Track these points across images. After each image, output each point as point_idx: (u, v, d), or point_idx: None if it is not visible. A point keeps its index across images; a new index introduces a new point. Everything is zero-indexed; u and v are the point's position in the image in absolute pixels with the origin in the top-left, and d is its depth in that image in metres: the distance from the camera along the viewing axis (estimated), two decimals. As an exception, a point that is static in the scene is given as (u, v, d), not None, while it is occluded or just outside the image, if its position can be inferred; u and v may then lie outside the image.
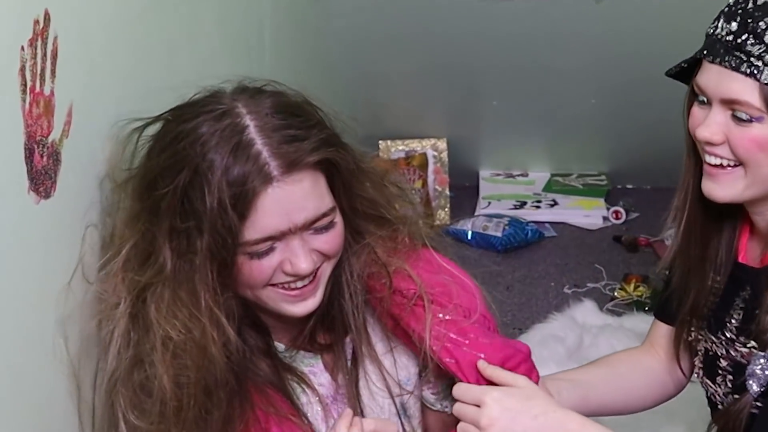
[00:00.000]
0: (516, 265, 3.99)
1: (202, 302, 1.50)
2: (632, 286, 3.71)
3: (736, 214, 1.82)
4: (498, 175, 4.68)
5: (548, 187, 4.62)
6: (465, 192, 4.61)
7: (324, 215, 1.55)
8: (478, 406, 1.59)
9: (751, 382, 1.72)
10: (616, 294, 3.72)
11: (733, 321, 1.83)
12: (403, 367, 1.79)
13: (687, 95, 1.77)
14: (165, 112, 1.62)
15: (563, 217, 4.42)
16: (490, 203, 4.49)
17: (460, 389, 1.63)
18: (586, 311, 3.51)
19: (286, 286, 1.58)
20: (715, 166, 1.69)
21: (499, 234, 4.12)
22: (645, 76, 3.99)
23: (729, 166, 1.67)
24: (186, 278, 1.50)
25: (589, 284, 3.84)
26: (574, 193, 4.57)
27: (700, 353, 1.93)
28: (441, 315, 1.69)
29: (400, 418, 1.80)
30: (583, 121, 4.37)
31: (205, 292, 1.50)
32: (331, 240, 1.59)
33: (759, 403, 1.71)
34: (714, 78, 1.65)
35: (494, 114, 4.35)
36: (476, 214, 4.39)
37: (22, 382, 1.48)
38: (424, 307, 1.67)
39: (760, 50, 1.58)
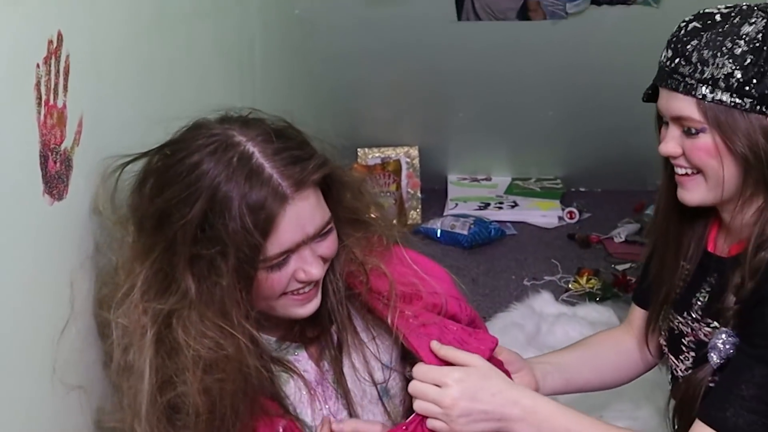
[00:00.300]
0: (480, 260, 3.99)
1: (234, 319, 1.48)
2: (585, 278, 3.72)
3: (708, 211, 1.85)
4: (464, 179, 4.68)
5: (509, 190, 4.61)
6: (435, 194, 4.61)
7: (327, 224, 1.56)
8: (439, 386, 1.58)
9: (712, 354, 1.73)
10: (570, 286, 3.73)
11: (699, 303, 1.85)
12: (385, 351, 1.80)
13: (656, 119, 1.81)
14: (155, 149, 1.58)
15: (523, 217, 4.41)
16: (457, 204, 4.48)
17: (421, 370, 1.61)
18: (543, 301, 3.51)
19: (296, 292, 1.58)
20: (682, 175, 1.73)
21: (465, 232, 4.12)
22: (597, 92, 4.03)
23: (692, 173, 1.71)
24: (213, 299, 1.47)
25: (546, 277, 3.84)
26: (533, 195, 4.57)
27: (665, 333, 1.95)
28: (408, 311, 1.70)
29: (381, 399, 1.79)
30: (541, 131, 4.39)
31: (236, 309, 1.48)
32: (331, 245, 1.60)
33: (716, 377, 1.73)
34: (664, 100, 1.71)
35: (461, 124, 4.35)
36: (445, 214, 4.38)
37: (37, 374, 1.49)
38: (396, 300, 1.68)
39: (690, 70, 1.63)
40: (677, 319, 1.90)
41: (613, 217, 4.44)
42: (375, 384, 1.79)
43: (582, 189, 4.80)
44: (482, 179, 4.69)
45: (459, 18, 3.63)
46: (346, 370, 1.77)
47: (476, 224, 4.19)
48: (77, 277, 1.59)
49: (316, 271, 1.54)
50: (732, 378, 1.64)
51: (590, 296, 3.61)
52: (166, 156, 1.53)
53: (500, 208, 4.48)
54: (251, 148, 1.48)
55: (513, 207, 4.49)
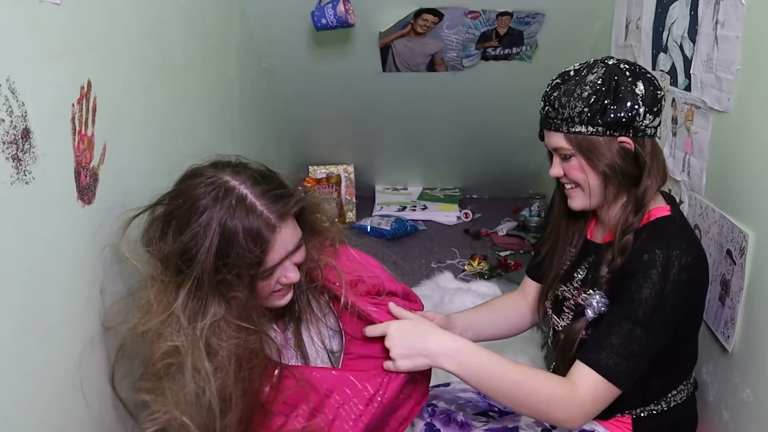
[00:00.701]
0: (399, 249, 3.96)
1: (255, 320, 1.54)
2: (476, 262, 3.70)
3: (586, 213, 1.91)
4: (387, 188, 4.65)
5: (421, 197, 4.58)
6: (366, 200, 4.57)
7: (301, 240, 1.61)
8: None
9: (588, 310, 1.75)
10: (465, 267, 3.70)
11: (579, 276, 1.88)
12: (334, 325, 1.82)
13: (548, 153, 1.84)
14: (170, 197, 1.56)
15: (431, 217, 4.38)
16: (382, 207, 4.45)
17: (368, 329, 1.67)
18: (446, 279, 3.49)
19: (278, 290, 1.63)
20: (568, 189, 1.81)
21: (388, 228, 4.10)
22: (485, 125, 4.05)
23: (573, 187, 1.79)
24: (235, 311, 1.50)
25: (447, 261, 3.82)
26: (438, 201, 4.54)
27: (551, 298, 1.98)
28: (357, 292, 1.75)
29: (330, 360, 1.80)
30: (444, 154, 4.38)
31: (254, 313, 1.54)
32: (303, 254, 1.64)
33: (588, 330, 1.75)
34: (546, 138, 1.79)
35: (385, 148, 4.34)
36: (373, 214, 4.34)
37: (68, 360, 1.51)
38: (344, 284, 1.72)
39: (555, 114, 1.71)
40: (561, 287, 1.93)
41: (497, 217, 4.42)
42: (326, 348, 1.81)
43: (474, 196, 4.78)
44: (401, 189, 4.67)
45: (383, 70, 3.62)
46: (305, 338, 1.78)
47: (396, 222, 4.17)
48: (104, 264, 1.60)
49: (295, 276, 1.60)
50: (605, 331, 1.65)
51: (480, 275, 3.59)
52: (178, 206, 1.51)
53: (414, 210, 4.44)
54: (244, 190, 1.50)
55: (423, 209, 4.46)
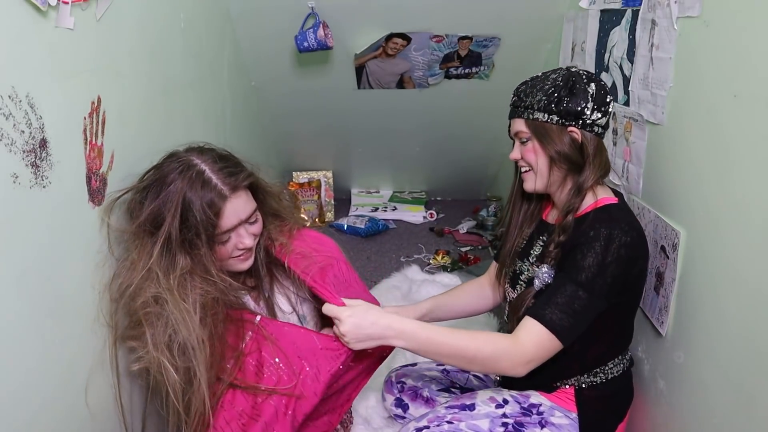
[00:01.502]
0: (372, 245, 3.97)
1: (214, 273, 1.62)
2: (440, 256, 3.71)
3: (542, 196, 1.95)
4: (362, 191, 4.65)
5: (391, 199, 4.59)
6: (343, 202, 4.57)
7: (254, 212, 1.71)
8: (339, 319, 1.66)
9: (536, 281, 1.78)
10: (430, 261, 3.71)
11: (533, 253, 1.90)
12: (301, 292, 1.92)
13: (512, 144, 1.88)
14: (146, 175, 1.65)
15: (400, 217, 4.39)
16: (357, 208, 4.46)
17: (325, 307, 1.70)
18: (413, 271, 3.50)
19: (238, 255, 1.71)
20: (523, 172, 1.85)
21: (362, 226, 4.10)
22: (448, 136, 4.07)
23: (528, 170, 1.83)
24: (198, 264, 1.60)
25: (415, 255, 3.82)
26: (407, 202, 4.55)
27: (509, 274, 1.99)
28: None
29: (301, 323, 1.89)
30: (412, 161, 4.38)
31: (213, 267, 1.62)
32: (258, 227, 1.75)
33: (534, 299, 1.78)
34: (511, 126, 1.83)
35: (360, 156, 4.33)
36: (349, 215, 4.34)
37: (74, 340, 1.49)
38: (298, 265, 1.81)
39: (520, 103, 1.78)
40: (518, 263, 1.95)
41: (459, 216, 4.45)
42: (295, 311, 1.89)
43: (439, 198, 4.80)
44: (373, 192, 4.67)
45: (358, 87, 3.62)
46: (276, 305, 1.87)
47: (370, 221, 4.18)
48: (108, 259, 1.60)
49: (248, 242, 1.70)
50: (551, 292, 1.69)
51: (444, 268, 3.59)
52: (152, 180, 1.61)
53: (385, 210, 4.44)
54: (203, 167, 1.61)
55: (394, 210, 4.46)
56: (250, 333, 1.70)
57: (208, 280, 1.60)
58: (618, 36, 2.26)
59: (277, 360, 1.68)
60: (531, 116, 1.75)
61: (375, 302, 1.86)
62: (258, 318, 1.73)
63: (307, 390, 1.67)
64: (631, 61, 2.11)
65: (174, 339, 1.53)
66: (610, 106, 1.76)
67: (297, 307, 1.91)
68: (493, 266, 2.18)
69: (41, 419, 1.33)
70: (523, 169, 1.85)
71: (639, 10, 2.05)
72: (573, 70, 1.77)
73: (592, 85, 1.73)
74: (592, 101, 1.71)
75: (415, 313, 2.05)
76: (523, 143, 1.80)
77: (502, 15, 3.14)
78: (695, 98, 1.71)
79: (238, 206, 1.63)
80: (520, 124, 1.79)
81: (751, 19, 1.45)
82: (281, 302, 1.90)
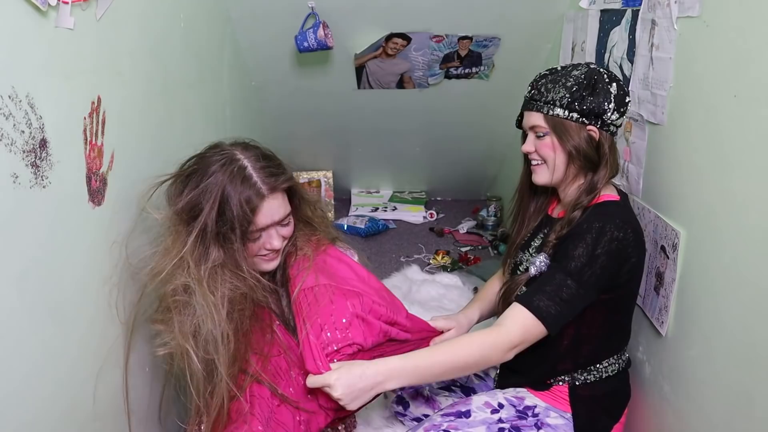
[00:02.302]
0: (372, 245, 3.97)
1: (245, 268, 1.63)
2: (440, 256, 3.71)
3: (549, 191, 1.98)
4: (362, 191, 4.65)
5: (391, 199, 4.58)
6: (343, 202, 4.57)
7: (287, 216, 1.72)
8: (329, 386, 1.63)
9: (531, 268, 1.81)
10: (430, 261, 3.71)
11: (534, 245, 1.94)
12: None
13: (521, 135, 1.90)
14: (188, 163, 1.69)
15: (400, 217, 4.39)
16: (357, 209, 4.45)
17: (311, 380, 1.66)
18: (413, 271, 3.50)
19: (264, 255, 1.73)
20: (534, 165, 1.86)
21: (362, 227, 4.11)
22: (448, 136, 4.06)
23: (540, 164, 1.84)
24: (230, 259, 1.61)
25: (415, 255, 3.83)
26: (407, 202, 4.54)
27: (510, 264, 2.04)
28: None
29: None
30: (412, 161, 4.38)
31: (244, 263, 1.64)
32: (288, 230, 1.76)
33: (527, 285, 1.81)
34: (526, 118, 1.84)
35: (360, 156, 4.33)
36: (349, 215, 4.34)
37: (84, 332, 1.49)
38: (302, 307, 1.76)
39: (539, 97, 1.78)
40: (520, 254, 2.00)
41: (458, 217, 4.45)
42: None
43: (438, 198, 4.79)
44: (373, 192, 4.67)
45: (358, 87, 3.62)
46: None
47: (370, 221, 4.18)
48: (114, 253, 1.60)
49: (277, 244, 1.71)
50: (542, 280, 1.74)
51: (443, 268, 3.60)
52: (194, 169, 1.64)
53: (385, 210, 4.44)
54: (246, 163, 1.63)
55: (394, 210, 4.46)
56: (271, 335, 1.75)
57: (239, 275, 1.62)
58: (618, 36, 2.26)
59: (292, 374, 1.75)
60: (551, 112, 1.76)
61: (423, 325, 1.97)
62: (277, 323, 1.78)
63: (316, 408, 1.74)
64: (631, 61, 2.11)
65: (199, 330, 1.55)
66: (629, 106, 1.79)
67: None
68: None
69: (42, 420, 1.32)
70: (534, 162, 1.87)
71: (639, 10, 2.05)
72: (594, 67, 1.78)
73: (614, 85, 1.75)
74: (613, 101, 1.73)
75: (469, 325, 2.11)
76: (539, 137, 1.81)
77: (502, 15, 3.14)
78: (695, 98, 1.71)
79: (273, 207, 1.66)
80: (538, 118, 1.80)
81: (751, 19, 1.45)
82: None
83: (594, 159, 1.78)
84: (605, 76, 1.76)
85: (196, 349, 1.56)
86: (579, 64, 1.80)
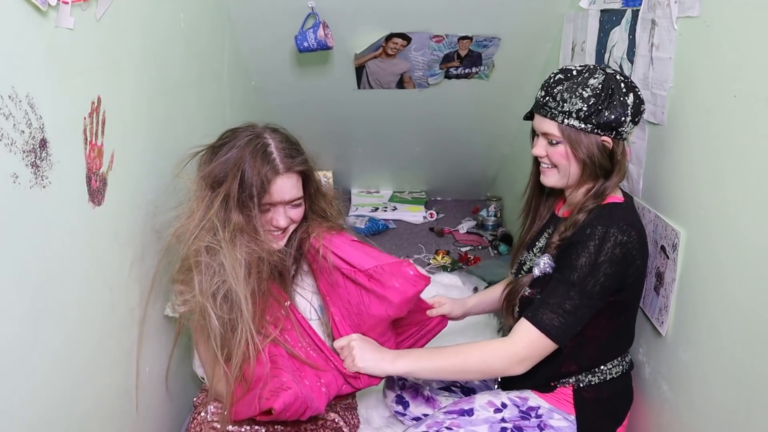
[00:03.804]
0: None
1: (262, 234, 1.75)
2: (440, 256, 3.71)
3: (557, 191, 1.97)
4: (362, 191, 4.65)
5: (391, 199, 4.59)
6: (343, 202, 4.57)
7: (297, 199, 1.81)
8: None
9: (535, 269, 1.82)
10: (430, 261, 3.72)
11: (539, 244, 1.95)
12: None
13: (531, 133, 1.90)
14: (223, 135, 1.81)
15: (400, 217, 4.39)
16: (357, 208, 4.46)
17: (336, 342, 1.89)
18: None
19: (272, 231, 1.81)
20: (544, 168, 1.86)
21: (363, 227, 4.11)
22: (448, 135, 4.06)
23: (550, 167, 1.84)
24: (249, 224, 1.72)
25: (415, 255, 3.83)
26: (407, 202, 4.55)
27: (516, 264, 2.05)
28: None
29: (317, 312, 1.97)
30: (412, 161, 4.37)
31: (261, 228, 1.75)
32: (298, 213, 1.84)
33: (532, 286, 1.85)
34: (538, 122, 1.82)
35: (360, 157, 4.34)
36: (349, 215, 4.35)
37: (93, 327, 1.49)
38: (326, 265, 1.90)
39: (555, 105, 1.75)
40: (524, 254, 2.02)
41: (458, 217, 4.45)
42: (311, 303, 1.97)
43: (438, 198, 4.79)
44: (373, 192, 4.67)
45: (358, 87, 3.62)
46: (298, 295, 1.96)
47: (370, 221, 4.18)
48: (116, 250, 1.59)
49: (282, 222, 1.79)
50: (547, 294, 1.74)
51: (444, 268, 3.60)
52: (225, 141, 1.77)
53: (385, 210, 4.44)
54: (269, 141, 1.76)
55: (394, 210, 4.46)
56: (286, 311, 1.87)
57: (257, 240, 1.73)
58: (618, 36, 2.26)
59: (303, 343, 1.88)
60: (566, 121, 1.74)
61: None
62: (288, 303, 1.86)
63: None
64: (631, 61, 2.10)
65: (220, 289, 1.67)
66: (643, 114, 1.78)
67: (311, 297, 1.98)
68: None
69: (42, 420, 1.33)
70: (544, 165, 1.86)
71: (639, 10, 2.05)
72: (611, 73, 1.75)
73: (631, 96, 1.72)
74: (629, 114, 1.72)
75: (463, 308, 2.24)
76: (551, 144, 1.80)
77: (502, 15, 3.14)
78: (695, 98, 1.70)
79: (286, 186, 1.76)
80: (551, 126, 1.78)
81: (751, 19, 1.45)
82: (303, 292, 1.97)
83: (607, 167, 1.77)
84: (622, 85, 1.73)
85: (215, 307, 1.67)
86: (596, 69, 1.76)
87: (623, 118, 1.71)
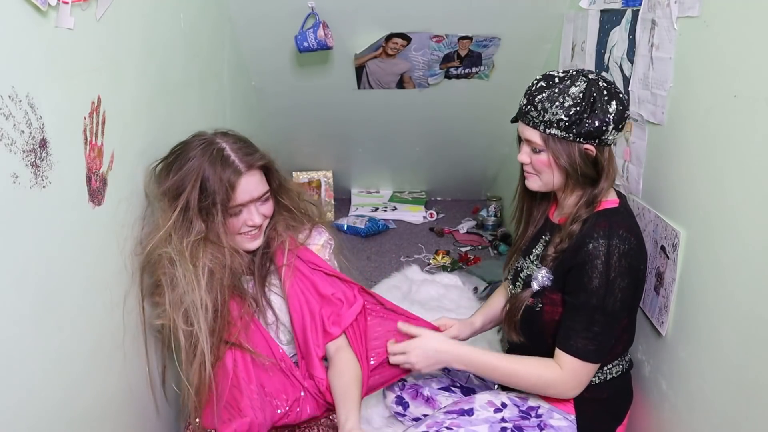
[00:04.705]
0: (373, 245, 3.97)
1: (224, 242, 1.77)
2: (440, 256, 3.71)
3: (550, 195, 1.96)
4: (362, 191, 4.65)
5: (391, 199, 4.58)
6: (343, 202, 4.57)
7: (266, 193, 1.84)
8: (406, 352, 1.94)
9: (533, 283, 1.84)
10: (430, 261, 3.71)
11: (536, 252, 1.93)
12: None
13: (517, 138, 1.87)
14: (174, 149, 1.81)
15: (400, 217, 4.39)
16: (357, 208, 4.45)
17: (391, 347, 1.98)
18: (413, 271, 3.49)
19: (246, 233, 1.84)
20: (528, 173, 1.86)
21: (362, 226, 4.11)
22: (448, 135, 4.06)
23: (533, 173, 1.84)
24: (213, 232, 1.75)
25: (415, 255, 3.83)
26: (406, 202, 4.54)
27: (512, 270, 2.04)
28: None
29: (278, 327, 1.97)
30: (412, 161, 4.37)
31: (224, 236, 1.76)
32: (268, 208, 1.87)
33: (532, 298, 1.85)
34: (521, 129, 1.81)
35: (360, 156, 4.34)
36: (349, 215, 4.34)
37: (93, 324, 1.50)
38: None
39: (536, 114, 1.73)
40: (521, 261, 2.00)
41: (458, 217, 4.45)
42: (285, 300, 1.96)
43: (438, 198, 4.79)
44: (373, 192, 4.67)
45: (358, 87, 3.62)
46: (273, 295, 1.96)
47: (370, 221, 4.18)
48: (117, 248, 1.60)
49: (257, 219, 1.82)
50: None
51: (443, 268, 3.59)
52: (178, 153, 1.78)
53: (385, 210, 4.44)
54: (224, 145, 1.77)
55: (394, 210, 4.46)
56: (249, 317, 1.89)
57: (219, 246, 1.75)
58: (618, 36, 2.26)
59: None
60: (548, 131, 1.72)
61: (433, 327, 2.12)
62: (254, 308, 1.91)
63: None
64: (631, 61, 2.11)
65: (182, 301, 1.70)
66: (627, 120, 1.76)
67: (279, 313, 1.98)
68: None
69: (42, 420, 1.33)
70: (527, 170, 1.86)
71: (639, 10, 2.05)
72: (593, 79, 1.71)
73: (613, 103, 1.69)
74: (611, 122, 1.69)
75: (471, 328, 2.20)
76: (535, 152, 1.79)
77: (502, 15, 3.14)
78: (695, 98, 1.70)
79: (251, 183, 1.77)
80: (533, 135, 1.76)
81: (751, 19, 1.45)
82: (274, 299, 1.96)
83: (591, 175, 1.76)
84: (605, 92, 1.70)
85: (180, 321, 1.71)
86: (578, 76, 1.72)
87: (605, 127, 1.68)
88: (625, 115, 1.73)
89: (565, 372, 1.76)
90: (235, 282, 1.85)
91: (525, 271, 1.94)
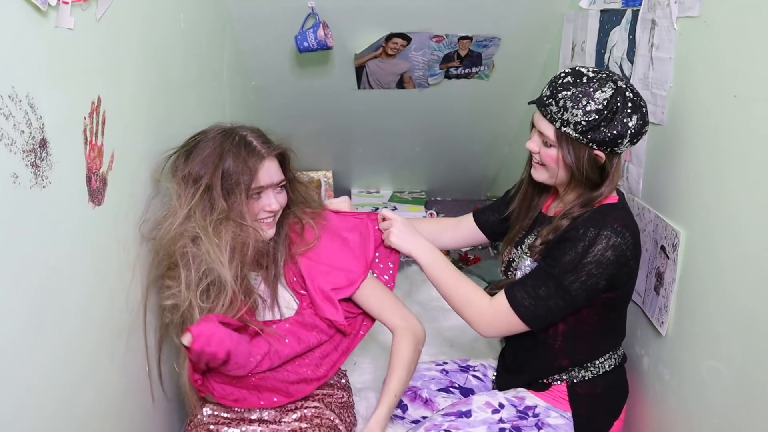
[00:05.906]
0: None
1: (247, 219, 1.80)
2: None
3: (551, 188, 1.97)
4: (362, 191, 4.64)
5: (391, 199, 4.56)
6: None
7: (282, 181, 1.89)
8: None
9: (518, 272, 1.88)
10: None
11: (527, 243, 1.95)
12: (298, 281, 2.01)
13: (531, 123, 1.86)
14: (191, 137, 1.87)
15: None
16: (357, 209, 4.40)
17: (382, 222, 2.11)
18: (413, 271, 3.42)
19: (263, 219, 1.87)
20: (535, 163, 1.86)
21: (363, 226, 4.10)
22: (448, 135, 4.05)
23: (540, 164, 1.84)
24: (235, 211, 1.77)
25: None
26: (407, 202, 4.52)
27: (504, 261, 2.06)
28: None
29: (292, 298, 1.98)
30: (412, 161, 4.36)
31: (247, 214, 1.80)
32: (283, 197, 1.92)
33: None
34: (537, 117, 1.80)
35: (360, 156, 4.33)
36: None
37: (96, 316, 1.50)
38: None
39: (556, 110, 1.71)
40: (513, 252, 2.02)
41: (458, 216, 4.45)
42: (293, 297, 1.98)
43: (438, 198, 4.78)
44: (373, 192, 4.66)
45: (358, 87, 3.61)
46: (279, 286, 1.97)
47: (370, 221, 4.18)
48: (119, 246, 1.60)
49: (275, 205, 1.86)
50: (527, 276, 1.80)
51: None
52: (199, 140, 1.84)
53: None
54: (245, 133, 1.85)
55: (394, 210, 4.40)
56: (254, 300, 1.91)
57: (242, 225, 1.78)
58: (618, 36, 2.26)
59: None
60: (563, 129, 1.71)
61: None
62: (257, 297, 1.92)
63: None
64: (631, 61, 2.11)
65: (205, 279, 1.74)
66: (644, 134, 1.74)
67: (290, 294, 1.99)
68: (468, 223, 2.30)
69: (42, 420, 1.33)
70: (535, 160, 1.86)
71: (639, 10, 2.05)
72: (621, 86, 1.68)
73: (634, 118, 1.67)
74: (628, 135, 1.68)
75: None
76: (545, 145, 1.79)
77: (502, 15, 3.14)
78: (695, 98, 1.71)
79: (272, 168, 1.84)
80: (548, 128, 1.75)
81: (751, 19, 1.45)
82: (283, 295, 1.96)
83: (595, 179, 1.76)
84: (628, 104, 1.67)
85: (198, 300, 1.73)
86: (606, 80, 1.69)
87: (620, 140, 1.68)
88: (644, 131, 1.71)
89: (491, 306, 1.82)
90: (258, 259, 1.92)
91: (516, 261, 1.97)
